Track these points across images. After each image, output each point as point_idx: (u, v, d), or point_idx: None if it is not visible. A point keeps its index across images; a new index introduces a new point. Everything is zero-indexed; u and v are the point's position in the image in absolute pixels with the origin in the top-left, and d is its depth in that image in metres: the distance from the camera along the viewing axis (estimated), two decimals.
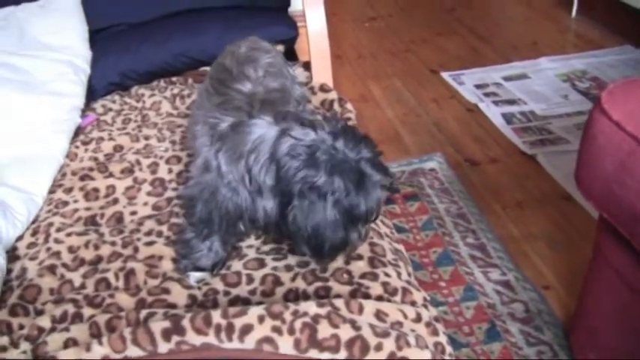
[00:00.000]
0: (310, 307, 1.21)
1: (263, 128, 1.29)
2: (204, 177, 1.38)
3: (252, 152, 1.27)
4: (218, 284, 1.39)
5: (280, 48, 2.34)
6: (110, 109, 2.17)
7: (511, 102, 3.00)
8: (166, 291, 1.34)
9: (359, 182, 1.22)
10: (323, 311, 1.20)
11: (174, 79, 2.38)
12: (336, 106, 2.15)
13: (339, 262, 1.43)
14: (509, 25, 3.95)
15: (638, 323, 1.32)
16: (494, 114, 2.90)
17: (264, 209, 1.30)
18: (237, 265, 1.45)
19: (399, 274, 1.41)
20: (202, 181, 1.38)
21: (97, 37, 2.33)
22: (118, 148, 1.93)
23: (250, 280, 1.40)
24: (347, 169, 1.21)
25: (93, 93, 2.21)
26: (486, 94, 3.08)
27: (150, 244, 1.51)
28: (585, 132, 1.26)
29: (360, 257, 1.44)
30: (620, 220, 1.20)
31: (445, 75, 3.31)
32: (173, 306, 1.32)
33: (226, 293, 1.37)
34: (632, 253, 1.24)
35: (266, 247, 1.51)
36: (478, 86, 3.17)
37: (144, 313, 1.24)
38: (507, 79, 3.22)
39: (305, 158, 1.20)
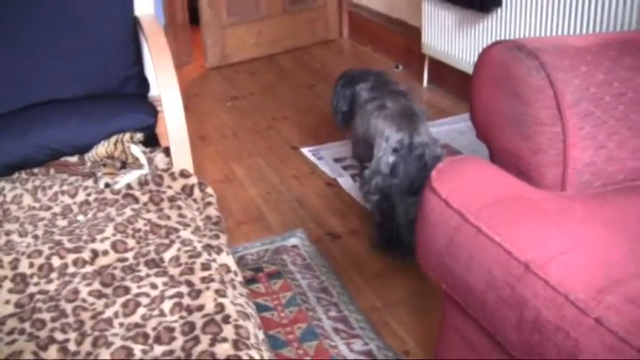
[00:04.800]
0: None
1: None
2: None
3: None
4: None
5: (139, 137, 2.39)
6: None
7: None
8: None
9: None
10: None
11: (35, 170, 2.37)
12: (196, 191, 2.20)
13: (203, 344, 1.47)
14: None
15: None
16: (352, 187, 3.01)
17: None
18: (105, 354, 1.47)
19: (262, 357, 1.46)
20: None
21: None
22: None
23: None
24: None
25: None
26: (345, 168, 3.19)
27: (11, 343, 1.51)
28: (420, 210, 1.36)
29: (224, 340, 1.48)
30: (455, 290, 1.30)
31: (305, 150, 3.41)
32: None
33: None
34: (472, 319, 1.33)
35: (131, 333, 1.53)
36: (337, 160, 3.28)
37: None
38: None
39: None
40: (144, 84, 2.75)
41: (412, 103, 2.61)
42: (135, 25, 2.70)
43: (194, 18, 4.84)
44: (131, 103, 2.58)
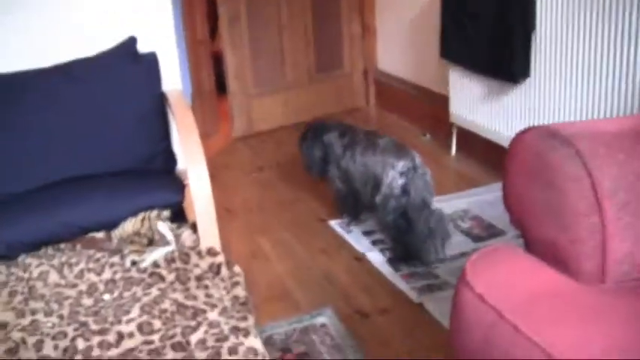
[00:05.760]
0: None
1: None
2: None
3: None
4: None
5: (166, 214, 2.38)
6: None
7: None
8: None
9: None
10: None
11: (62, 245, 2.37)
12: (224, 270, 2.18)
13: None
14: None
15: None
16: (381, 262, 2.96)
17: None
18: None
19: None
20: None
21: None
22: (3, 326, 1.90)
23: None
24: None
25: None
26: (374, 242, 3.15)
27: None
28: (453, 303, 1.32)
29: None
30: None
31: (333, 223, 3.37)
32: None
33: None
34: None
35: None
36: (366, 233, 3.24)
37: None
38: None
39: None
40: (171, 159, 2.76)
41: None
42: (162, 100, 2.71)
43: (221, 84, 4.87)
44: (158, 179, 2.58)
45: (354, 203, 3.25)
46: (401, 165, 2.86)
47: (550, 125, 1.42)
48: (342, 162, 3.15)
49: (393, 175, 2.86)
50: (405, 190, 2.85)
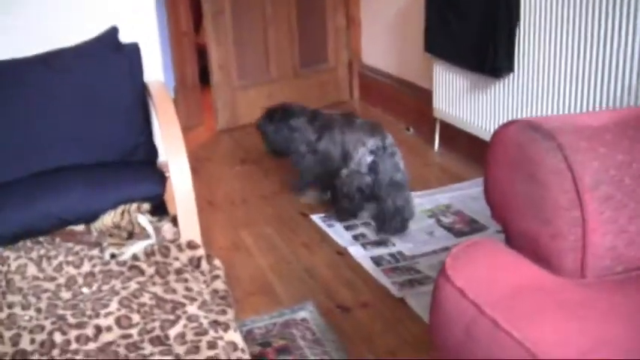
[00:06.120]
0: None
1: None
2: None
3: None
4: None
5: (147, 207, 2.35)
6: None
7: (379, 243, 3.06)
8: None
9: None
10: None
11: (40, 238, 2.34)
12: (204, 263, 2.16)
13: None
14: None
15: None
16: (363, 257, 2.95)
17: None
18: None
19: None
20: None
21: None
22: None
23: None
24: None
25: None
26: (355, 237, 3.14)
27: None
28: (433, 297, 1.31)
29: None
30: None
31: (315, 218, 3.36)
32: None
33: None
34: None
35: None
36: (348, 227, 3.23)
37: None
38: None
39: None
40: (152, 151, 2.73)
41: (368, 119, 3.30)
42: (144, 91, 2.69)
43: (204, 77, 4.85)
44: (139, 171, 2.55)
45: (327, 183, 3.32)
46: (371, 142, 3.00)
47: (532, 118, 1.42)
48: (321, 145, 3.24)
49: (363, 152, 3.01)
50: (371, 169, 3.01)
